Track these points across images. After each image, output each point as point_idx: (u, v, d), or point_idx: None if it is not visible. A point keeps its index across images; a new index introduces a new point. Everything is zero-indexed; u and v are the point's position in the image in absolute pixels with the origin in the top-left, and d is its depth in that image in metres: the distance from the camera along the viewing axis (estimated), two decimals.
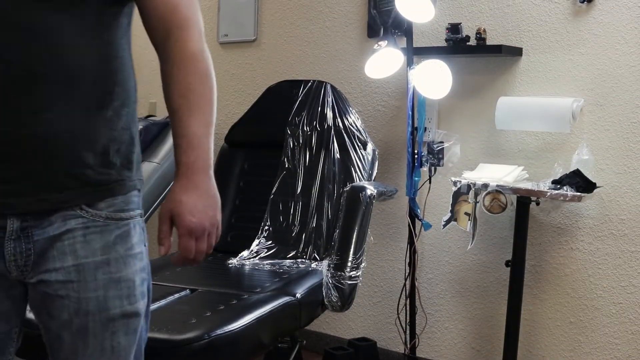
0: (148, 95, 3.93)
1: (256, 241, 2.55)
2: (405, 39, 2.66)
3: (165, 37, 1.25)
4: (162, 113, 3.78)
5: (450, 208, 2.53)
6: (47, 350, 1.30)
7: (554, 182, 2.36)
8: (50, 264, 1.22)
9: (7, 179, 1.16)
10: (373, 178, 2.54)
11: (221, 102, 3.01)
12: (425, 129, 2.69)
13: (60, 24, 1.14)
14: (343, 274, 2.06)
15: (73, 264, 1.22)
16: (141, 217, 1.31)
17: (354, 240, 2.09)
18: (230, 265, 2.44)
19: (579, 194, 2.27)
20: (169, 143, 3.39)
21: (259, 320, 1.83)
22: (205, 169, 1.24)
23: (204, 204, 1.24)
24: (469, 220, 2.47)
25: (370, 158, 2.55)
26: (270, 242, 2.50)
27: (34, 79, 1.13)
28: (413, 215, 2.67)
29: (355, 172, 2.49)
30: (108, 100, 1.21)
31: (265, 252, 2.47)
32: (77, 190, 1.20)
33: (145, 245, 1.32)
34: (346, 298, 2.05)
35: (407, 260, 2.71)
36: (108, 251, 1.24)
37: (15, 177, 1.16)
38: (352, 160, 2.50)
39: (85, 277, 1.23)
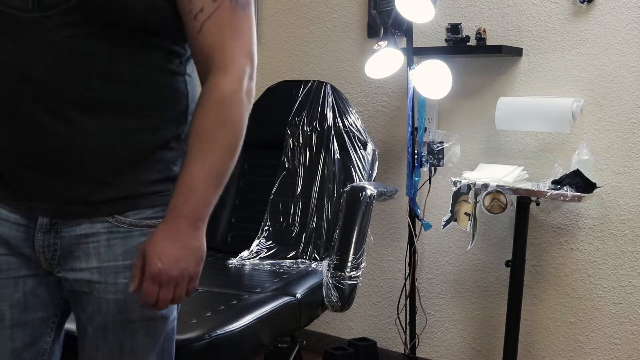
0: None
1: (256, 241, 2.55)
2: (405, 39, 2.66)
3: (204, 78, 1.22)
4: None
5: (450, 208, 2.53)
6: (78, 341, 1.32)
7: (554, 182, 2.36)
8: (76, 264, 1.25)
9: (40, 186, 1.21)
10: (373, 178, 2.54)
11: None
12: (425, 129, 2.69)
13: (95, 49, 1.16)
14: (343, 274, 2.06)
15: (96, 266, 1.24)
16: None
17: (354, 240, 2.09)
18: (230, 266, 2.44)
19: (579, 194, 2.27)
20: None
21: (259, 320, 1.83)
22: (192, 218, 1.17)
23: (178, 253, 1.17)
24: (469, 220, 2.47)
25: (370, 158, 2.55)
26: (270, 242, 2.50)
27: (68, 100, 1.16)
28: (413, 215, 2.67)
29: (355, 172, 2.49)
30: (141, 122, 1.21)
31: (265, 252, 2.47)
32: (105, 204, 1.22)
33: None
34: (346, 298, 2.05)
35: (407, 260, 2.71)
36: (129, 257, 1.23)
37: (47, 186, 1.20)
38: (352, 160, 2.50)
39: (106, 280, 1.24)
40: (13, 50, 1.14)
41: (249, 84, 1.22)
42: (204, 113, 1.19)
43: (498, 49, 2.59)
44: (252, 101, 1.24)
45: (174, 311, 1.32)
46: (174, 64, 1.24)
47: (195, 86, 1.29)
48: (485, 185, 2.42)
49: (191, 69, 1.28)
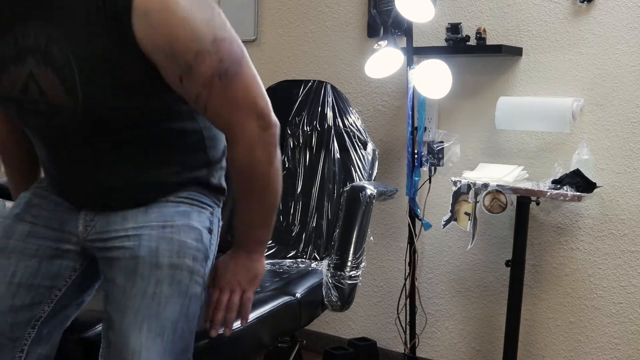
0: None
1: None
2: (405, 38, 2.66)
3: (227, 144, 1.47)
4: None
5: (450, 208, 2.53)
6: (103, 302, 1.45)
7: (554, 182, 2.36)
8: (112, 226, 1.45)
9: (89, 205, 1.49)
10: (373, 178, 2.53)
11: None
12: (425, 128, 2.69)
13: (123, 148, 1.42)
14: (343, 273, 2.05)
15: (133, 226, 1.44)
16: (204, 209, 1.51)
17: (354, 240, 2.09)
18: None
19: (579, 193, 2.27)
20: None
21: (258, 320, 1.82)
22: (247, 250, 1.55)
23: (237, 271, 1.55)
24: (469, 220, 2.47)
25: (370, 158, 2.55)
26: (270, 241, 2.50)
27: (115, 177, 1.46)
28: (413, 215, 2.67)
29: (355, 172, 2.49)
30: (172, 171, 1.49)
31: (265, 252, 2.47)
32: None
33: (210, 233, 1.51)
34: (346, 298, 2.04)
35: (407, 260, 2.72)
36: (166, 220, 1.45)
37: (96, 204, 1.49)
38: (352, 160, 2.50)
39: (141, 233, 1.43)
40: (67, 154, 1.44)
41: (265, 136, 1.39)
42: (235, 180, 1.47)
43: (498, 49, 2.59)
44: (275, 140, 1.42)
45: (203, 276, 1.47)
46: (189, 128, 1.47)
47: (216, 133, 1.51)
48: (485, 185, 2.42)
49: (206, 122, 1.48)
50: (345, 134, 2.53)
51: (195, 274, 1.45)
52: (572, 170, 2.36)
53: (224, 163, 1.56)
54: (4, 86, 1.36)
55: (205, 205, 1.52)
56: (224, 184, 1.59)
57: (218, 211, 1.58)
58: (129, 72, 1.29)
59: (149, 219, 1.44)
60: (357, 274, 2.07)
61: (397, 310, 2.79)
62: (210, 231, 1.52)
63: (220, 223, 1.59)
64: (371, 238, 2.28)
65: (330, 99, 2.57)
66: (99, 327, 1.68)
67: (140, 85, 1.31)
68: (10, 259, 1.46)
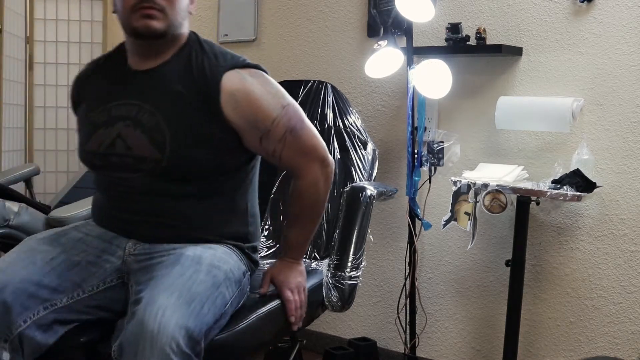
0: None
1: None
2: (405, 38, 2.66)
3: (291, 175, 1.84)
4: None
5: (450, 208, 2.53)
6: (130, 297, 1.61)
7: (554, 181, 2.36)
8: (159, 247, 1.69)
9: (137, 234, 1.74)
10: (373, 178, 2.53)
11: None
12: (425, 128, 2.69)
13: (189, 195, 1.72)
14: (343, 274, 2.05)
15: (179, 246, 1.68)
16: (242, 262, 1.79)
17: (354, 240, 2.09)
18: None
19: (579, 193, 2.27)
20: None
21: (259, 319, 1.82)
22: (292, 259, 1.86)
23: (293, 275, 1.85)
24: (469, 220, 2.46)
25: (370, 158, 2.55)
26: (270, 241, 2.49)
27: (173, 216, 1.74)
28: (413, 215, 2.67)
29: (356, 172, 2.49)
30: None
31: (266, 252, 2.47)
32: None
33: (243, 276, 1.76)
34: (346, 298, 2.04)
35: (407, 260, 2.72)
36: (210, 247, 1.71)
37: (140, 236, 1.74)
38: (352, 160, 2.50)
39: (187, 247, 1.67)
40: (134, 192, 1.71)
41: (325, 173, 1.80)
42: (296, 200, 1.81)
43: (498, 49, 2.59)
44: (332, 176, 1.83)
45: (233, 291, 1.67)
46: (242, 201, 1.83)
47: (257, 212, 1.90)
48: (485, 185, 2.42)
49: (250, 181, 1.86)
50: (345, 134, 2.52)
51: (229, 280, 1.66)
52: (572, 170, 2.36)
53: (256, 243, 1.89)
54: (91, 144, 1.71)
55: (242, 263, 1.79)
56: (256, 259, 1.89)
57: (248, 277, 1.81)
58: (214, 134, 1.68)
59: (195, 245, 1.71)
60: (357, 274, 2.07)
61: (397, 310, 2.79)
62: (244, 274, 1.77)
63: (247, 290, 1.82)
64: (371, 238, 2.28)
65: (330, 99, 2.57)
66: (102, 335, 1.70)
67: (220, 142, 1.69)
68: (55, 248, 1.68)
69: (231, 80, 1.69)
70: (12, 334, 1.56)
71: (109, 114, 1.70)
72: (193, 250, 1.66)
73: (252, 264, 1.87)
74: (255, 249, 1.89)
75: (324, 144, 1.81)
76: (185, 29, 1.77)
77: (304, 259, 1.91)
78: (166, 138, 1.65)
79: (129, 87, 1.73)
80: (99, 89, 1.78)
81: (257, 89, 1.72)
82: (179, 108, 1.67)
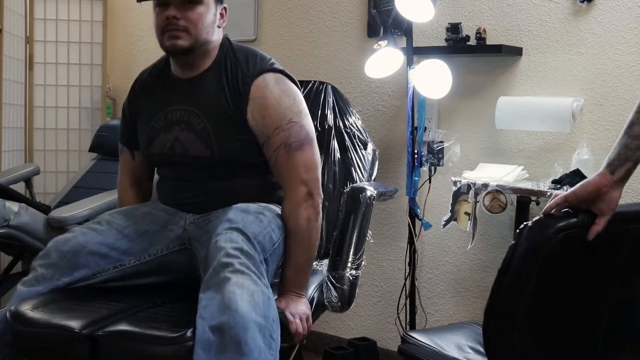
0: None
1: None
2: (405, 38, 2.66)
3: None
4: None
5: (450, 208, 2.53)
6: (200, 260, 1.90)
7: (554, 181, 2.36)
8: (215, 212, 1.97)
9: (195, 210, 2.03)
10: (373, 178, 2.53)
11: None
12: (425, 128, 2.69)
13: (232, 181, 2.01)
14: (343, 274, 2.06)
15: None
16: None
17: (354, 240, 2.09)
18: None
19: None
20: None
21: None
22: (294, 291, 1.93)
23: (298, 306, 1.91)
24: (469, 220, 2.47)
25: (370, 158, 2.55)
26: None
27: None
28: (413, 215, 2.67)
29: (356, 172, 2.49)
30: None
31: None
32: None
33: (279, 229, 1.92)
34: (346, 298, 2.04)
35: (407, 260, 2.72)
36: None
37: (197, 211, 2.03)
38: (352, 160, 2.50)
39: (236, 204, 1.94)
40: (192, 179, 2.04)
41: (309, 201, 1.92)
42: (286, 224, 1.94)
43: (498, 49, 2.59)
44: (316, 208, 1.94)
45: (276, 237, 1.87)
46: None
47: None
48: (485, 185, 2.42)
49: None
50: (345, 134, 2.52)
51: (274, 224, 1.88)
52: (572, 170, 2.36)
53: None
54: (155, 147, 2.04)
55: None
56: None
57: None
58: (247, 129, 1.95)
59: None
60: (357, 274, 2.07)
61: (397, 310, 2.79)
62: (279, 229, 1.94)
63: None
64: (371, 238, 2.28)
65: (330, 100, 2.57)
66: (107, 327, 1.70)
67: (252, 137, 1.95)
68: (128, 220, 1.98)
69: (256, 87, 1.95)
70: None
71: (165, 119, 2.03)
72: (241, 204, 1.91)
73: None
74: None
75: (318, 176, 1.96)
76: (215, 41, 2.01)
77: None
78: (212, 138, 1.96)
79: (178, 94, 2.03)
80: (153, 97, 2.09)
81: (273, 96, 1.95)
82: (218, 112, 1.97)
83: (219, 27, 2.02)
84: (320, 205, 1.96)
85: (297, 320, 1.86)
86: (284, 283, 1.94)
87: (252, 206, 1.92)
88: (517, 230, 1.30)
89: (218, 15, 2.01)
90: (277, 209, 1.97)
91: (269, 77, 1.96)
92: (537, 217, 1.29)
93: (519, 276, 1.29)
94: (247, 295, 1.64)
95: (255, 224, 1.83)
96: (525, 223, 1.30)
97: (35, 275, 1.88)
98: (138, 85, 2.16)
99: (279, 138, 1.92)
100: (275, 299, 1.87)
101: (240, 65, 1.98)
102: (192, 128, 1.99)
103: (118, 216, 2.02)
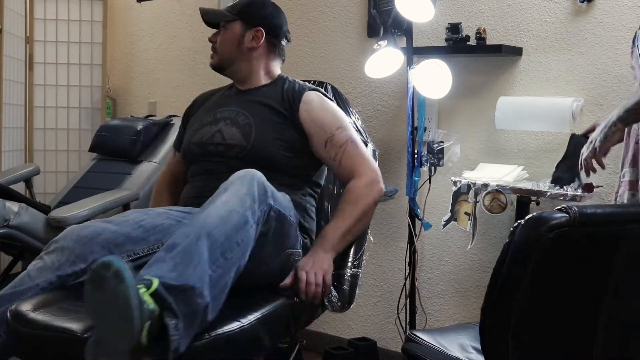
0: (148, 95, 3.93)
1: None
2: (405, 38, 2.66)
3: (346, 184, 2.12)
4: (161, 113, 3.78)
5: (450, 208, 2.53)
6: None
7: (553, 181, 2.36)
8: None
9: None
10: None
11: None
12: (425, 128, 2.69)
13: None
14: (343, 274, 2.06)
15: None
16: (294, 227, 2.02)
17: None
18: None
19: (579, 193, 2.27)
20: (168, 143, 3.39)
21: (258, 320, 1.82)
22: (325, 249, 2.00)
23: (313, 262, 1.97)
24: (469, 220, 2.47)
25: None
26: None
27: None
28: (413, 215, 2.67)
29: None
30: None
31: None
32: None
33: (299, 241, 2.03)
34: (346, 298, 2.04)
35: (407, 260, 2.72)
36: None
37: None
38: None
39: None
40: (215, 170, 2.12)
41: (376, 185, 2.10)
42: (345, 196, 2.08)
43: (498, 49, 2.59)
44: (379, 192, 2.10)
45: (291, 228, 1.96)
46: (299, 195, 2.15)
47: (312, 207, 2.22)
48: (485, 185, 2.42)
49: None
50: None
51: (292, 210, 1.97)
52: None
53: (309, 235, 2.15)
54: (197, 137, 2.19)
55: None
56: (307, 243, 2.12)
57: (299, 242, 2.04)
58: (287, 135, 2.12)
59: None
60: (357, 274, 2.07)
61: (397, 310, 2.79)
62: (300, 224, 2.06)
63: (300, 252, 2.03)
64: (371, 238, 2.28)
65: None
66: None
67: (291, 142, 2.12)
68: (145, 215, 2.00)
69: (311, 95, 2.20)
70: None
71: (214, 116, 2.22)
72: None
73: (304, 235, 2.11)
74: (306, 231, 2.13)
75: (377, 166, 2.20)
76: (245, 60, 2.26)
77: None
78: (252, 131, 2.12)
79: (233, 100, 2.25)
80: (210, 102, 2.32)
81: (331, 105, 2.22)
82: (265, 114, 2.16)
83: (250, 48, 2.25)
84: (381, 194, 2.12)
85: (309, 277, 1.92)
86: (319, 239, 2.04)
87: None
88: (511, 229, 1.30)
89: (248, 37, 2.25)
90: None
91: (323, 95, 2.24)
92: (530, 215, 1.29)
93: (512, 275, 1.28)
94: (224, 211, 1.70)
95: (273, 186, 1.89)
96: (518, 221, 1.30)
97: (50, 258, 1.85)
98: (200, 97, 2.41)
99: (343, 135, 2.13)
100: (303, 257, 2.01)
101: (296, 83, 2.26)
102: (236, 123, 2.16)
103: (134, 213, 2.06)
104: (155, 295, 1.52)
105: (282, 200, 1.92)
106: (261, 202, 1.79)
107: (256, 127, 2.13)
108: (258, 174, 1.82)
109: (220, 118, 2.20)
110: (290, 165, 2.13)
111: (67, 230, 1.92)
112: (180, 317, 1.53)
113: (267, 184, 1.84)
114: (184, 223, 1.79)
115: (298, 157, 2.14)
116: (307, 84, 2.29)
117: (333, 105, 2.24)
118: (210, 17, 2.32)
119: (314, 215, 2.20)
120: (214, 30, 2.31)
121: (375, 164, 2.19)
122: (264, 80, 2.28)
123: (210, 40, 2.29)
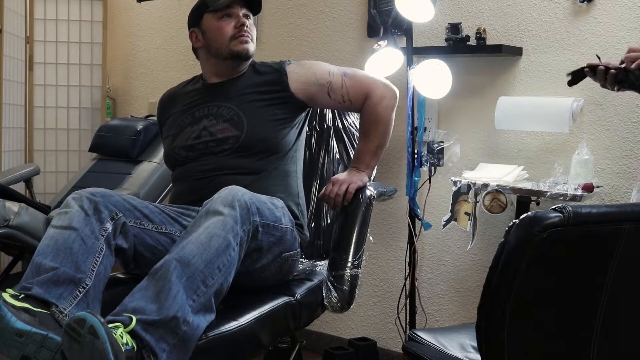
0: (148, 95, 3.93)
1: None
2: (405, 38, 2.66)
3: (359, 110, 2.23)
4: None
5: (450, 208, 2.53)
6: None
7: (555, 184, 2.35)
8: None
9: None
10: (373, 178, 2.53)
11: None
12: (425, 128, 2.69)
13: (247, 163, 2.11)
14: (343, 274, 2.06)
15: None
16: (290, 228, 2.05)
17: (354, 240, 2.09)
18: None
19: (579, 193, 2.27)
20: None
21: (258, 320, 1.82)
22: (359, 167, 2.16)
23: (346, 176, 2.13)
24: (469, 220, 2.47)
25: None
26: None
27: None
28: (413, 215, 2.67)
29: None
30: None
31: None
32: None
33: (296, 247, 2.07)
34: (346, 298, 2.04)
35: (407, 260, 2.72)
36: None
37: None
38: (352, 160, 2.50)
39: None
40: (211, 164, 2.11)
41: (387, 93, 2.19)
42: (364, 118, 2.19)
43: (498, 49, 2.59)
44: (395, 98, 2.21)
45: (289, 241, 2.01)
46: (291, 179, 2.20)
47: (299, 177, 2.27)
48: (485, 185, 2.42)
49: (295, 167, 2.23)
50: (344, 135, 2.52)
51: (280, 212, 1.99)
52: (571, 168, 2.35)
53: (302, 222, 2.18)
54: (179, 141, 2.16)
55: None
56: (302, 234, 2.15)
57: (292, 233, 2.05)
58: (277, 114, 2.15)
59: None
60: (357, 274, 2.07)
61: (397, 310, 2.79)
62: (297, 246, 2.08)
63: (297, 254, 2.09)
64: (371, 238, 2.28)
65: None
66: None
67: (281, 119, 2.15)
68: (148, 207, 1.94)
69: (292, 66, 2.23)
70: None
71: (193, 116, 2.18)
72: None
73: (300, 236, 2.12)
74: (302, 227, 2.16)
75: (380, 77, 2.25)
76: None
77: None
78: (243, 120, 2.11)
79: (208, 96, 2.21)
80: (182, 102, 2.25)
81: (307, 62, 2.27)
82: (250, 99, 2.16)
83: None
84: (397, 96, 2.21)
85: (333, 188, 2.07)
86: (354, 159, 2.20)
87: (266, 196, 1.98)
88: (506, 228, 1.30)
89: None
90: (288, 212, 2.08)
91: (292, 63, 2.26)
92: (524, 215, 1.29)
93: (506, 275, 1.28)
94: (204, 237, 1.69)
95: (259, 199, 1.89)
96: (513, 221, 1.29)
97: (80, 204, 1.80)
98: (163, 98, 2.35)
99: (336, 75, 2.20)
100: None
101: (268, 65, 2.26)
102: (221, 116, 2.14)
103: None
104: (132, 333, 1.52)
105: (270, 211, 1.92)
106: (244, 223, 1.76)
107: (245, 114, 2.13)
108: (241, 192, 1.80)
109: (201, 117, 2.17)
110: (287, 142, 2.16)
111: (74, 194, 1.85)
112: (163, 353, 1.55)
113: (252, 200, 1.81)
114: (170, 250, 1.73)
115: (286, 132, 2.17)
116: (274, 61, 2.30)
117: (307, 61, 2.31)
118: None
119: (304, 200, 2.26)
120: None
121: (373, 75, 2.26)
122: (241, 69, 2.26)
123: (243, 23, 2.20)
